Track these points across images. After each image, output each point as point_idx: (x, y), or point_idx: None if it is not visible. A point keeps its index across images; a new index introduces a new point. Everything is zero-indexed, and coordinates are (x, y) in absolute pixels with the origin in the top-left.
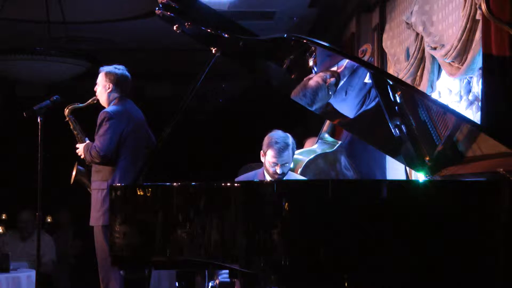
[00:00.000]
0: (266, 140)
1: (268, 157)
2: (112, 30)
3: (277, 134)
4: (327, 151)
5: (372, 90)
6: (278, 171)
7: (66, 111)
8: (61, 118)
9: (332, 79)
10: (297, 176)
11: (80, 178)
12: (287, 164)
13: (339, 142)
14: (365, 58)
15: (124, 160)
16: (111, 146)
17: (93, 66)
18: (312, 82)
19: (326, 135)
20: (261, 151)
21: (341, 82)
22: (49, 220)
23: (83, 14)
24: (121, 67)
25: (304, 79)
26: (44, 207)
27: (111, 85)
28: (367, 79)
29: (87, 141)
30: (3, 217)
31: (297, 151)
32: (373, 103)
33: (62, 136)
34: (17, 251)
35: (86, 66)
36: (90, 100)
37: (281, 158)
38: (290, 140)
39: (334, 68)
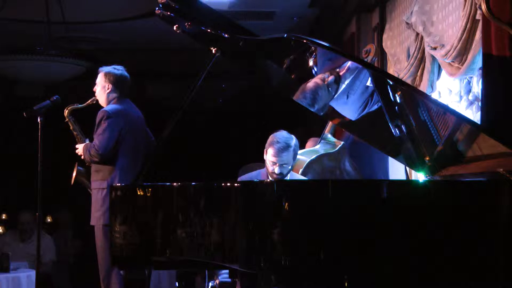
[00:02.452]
0: (269, 138)
1: (268, 155)
2: (112, 30)
3: (281, 134)
4: (330, 151)
5: (375, 94)
6: (276, 171)
7: (66, 112)
8: (61, 118)
9: (331, 77)
10: (298, 176)
11: (80, 178)
12: (286, 165)
13: (342, 142)
14: (369, 58)
15: (123, 159)
16: (109, 144)
17: (93, 66)
18: (310, 83)
19: (329, 136)
20: (265, 149)
21: (343, 86)
22: (49, 220)
23: (83, 14)
24: (120, 67)
25: (304, 82)
26: (44, 207)
27: (110, 86)
28: (369, 83)
29: (87, 141)
30: (3, 217)
31: (299, 151)
32: (376, 106)
33: (62, 136)
34: (17, 251)
35: (86, 66)
36: (89, 101)
37: (279, 158)
38: (293, 142)
39: (336, 72)
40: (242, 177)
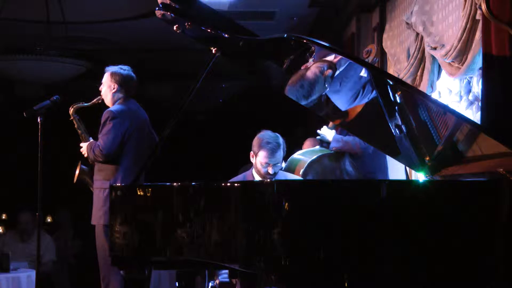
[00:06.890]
0: (256, 141)
1: (260, 157)
2: (112, 30)
3: (268, 135)
4: (330, 151)
5: (367, 86)
6: (270, 171)
7: (71, 110)
8: (61, 118)
9: (330, 71)
10: (292, 176)
11: (83, 177)
12: (279, 164)
13: None
14: (370, 59)
15: (127, 159)
16: (114, 145)
17: (93, 66)
18: (309, 74)
19: None
20: (251, 152)
21: (337, 72)
22: (49, 220)
23: (83, 14)
24: (126, 67)
25: (301, 68)
26: (44, 207)
27: (116, 86)
28: (363, 73)
29: (91, 140)
30: (3, 217)
31: (299, 152)
32: (366, 99)
33: (62, 136)
34: (17, 251)
35: (86, 66)
36: (95, 100)
37: (273, 158)
38: (281, 140)
39: (331, 59)
40: (231, 180)
